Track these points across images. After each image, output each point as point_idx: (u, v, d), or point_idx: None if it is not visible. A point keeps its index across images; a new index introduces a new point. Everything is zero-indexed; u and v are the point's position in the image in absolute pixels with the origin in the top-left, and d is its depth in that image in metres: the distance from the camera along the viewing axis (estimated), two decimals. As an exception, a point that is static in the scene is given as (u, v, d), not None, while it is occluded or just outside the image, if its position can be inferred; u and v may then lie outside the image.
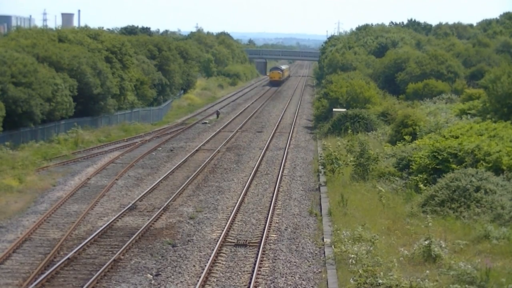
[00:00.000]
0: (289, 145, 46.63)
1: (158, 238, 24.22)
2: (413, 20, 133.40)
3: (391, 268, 19.03)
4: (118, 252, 21.93)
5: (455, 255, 20.18)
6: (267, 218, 26.37)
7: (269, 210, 27.62)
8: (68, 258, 21.30)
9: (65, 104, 44.35)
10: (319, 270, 20.80)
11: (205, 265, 20.94)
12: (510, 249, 20.58)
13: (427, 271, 18.82)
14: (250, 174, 35.72)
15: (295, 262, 21.60)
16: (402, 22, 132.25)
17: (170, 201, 29.32)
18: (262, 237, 23.69)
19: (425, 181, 28.19)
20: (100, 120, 51.88)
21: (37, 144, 41.40)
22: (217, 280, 20.01)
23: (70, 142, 43.85)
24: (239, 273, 20.72)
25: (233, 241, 23.87)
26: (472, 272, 18.05)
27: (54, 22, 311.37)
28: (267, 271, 20.81)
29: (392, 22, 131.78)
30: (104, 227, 24.86)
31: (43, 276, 19.63)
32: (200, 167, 37.11)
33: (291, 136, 51.38)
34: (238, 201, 29.25)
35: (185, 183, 33.03)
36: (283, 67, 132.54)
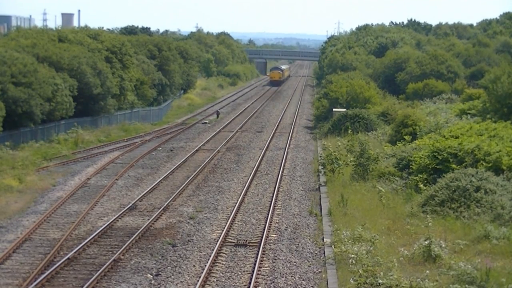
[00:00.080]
0: (289, 145, 46.63)
1: (158, 238, 24.22)
2: (413, 20, 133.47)
3: (391, 268, 19.02)
4: (118, 252, 21.93)
5: (455, 255, 20.18)
6: (267, 218, 26.37)
7: (269, 210, 27.62)
8: (68, 258, 21.30)
9: (65, 104, 44.36)
10: (319, 270, 20.80)
11: (205, 265, 20.94)
12: (510, 249, 20.58)
13: (427, 271, 18.82)
14: (250, 174, 35.72)
15: (295, 262, 21.60)
16: (402, 22, 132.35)
17: (170, 201, 29.32)
18: (262, 237, 23.69)
19: (425, 181, 28.19)
20: (100, 120, 51.88)
21: (37, 144, 41.40)
22: (217, 280, 20.01)
23: (70, 142, 43.85)
24: (239, 273, 20.73)
25: (233, 241, 23.87)
26: (472, 272, 18.05)
27: (54, 22, 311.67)
28: (267, 271, 20.81)
29: (392, 22, 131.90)
30: (104, 227, 24.87)
31: (43, 276, 19.64)
32: (200, 167, 37.11)
33: (291, 136, 51.38)
34: (238, 201, 29.25)
35: (185, 183, 33.03)
36: (283, 67, 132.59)
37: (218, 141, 47.95)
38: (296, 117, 66.02)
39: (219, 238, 23.70)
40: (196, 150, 43.52)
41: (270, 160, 40.81)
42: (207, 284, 19.72)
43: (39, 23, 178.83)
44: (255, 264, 21.01)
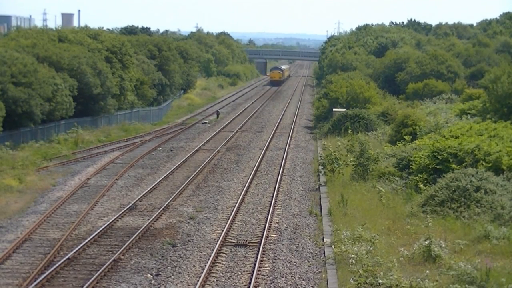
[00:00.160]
0: (289, 145, 46.64)
1: (158, 238, 24.22)
2: (413, 20, 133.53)
3: (391, 268, 19.02)
4: (118, 252, 21.93)
5: (455, 255, 20.18)
6: (267, 218, 26.36)
7: (269, 210, 27.62)
8: (68, 258, 21.30)
9: (65, 104, 44.36)
10: (319, 270, 20.80)
11: (205, 265, 20.94)
12: (510, 249, 20.58)
13: (427, 271, 18.82)
14: (250, 174, 35.73)
15: (295, 262, 21.60)
16: (402, 22, 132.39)
17: (170, 201, 29.32)
18: (262, 237, 23.69)
19: (425, 181, 28.19)
20: (100, 120, 51.88)
21: (37, 144, 41.40)
22: (217, 280, 20.01)
23: (70, 142, 43.84)
24: (239, 273, 20.73)
25: (233, 241, 23.87)
26: (472, 272, 18.05)
27: (54, 22, 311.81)
28: (267, 271, 20.81)
29: (392, 22, 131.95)
30: (104, 227, 24.86)
31: (43, 276, 19.64)
32: (200, 167, 37.11)
33: (291, 136, 51.38)
34: (238, 201, 29.25)
35: (185, 183, 33.03)
36: (283, 67, 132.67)
37: (218, 141, 47.95)
38: (296, 117, 66.02)
39: (219, 238, 23.69)
40: (196, 150, 43.52)
41: (270, 160, 40.81)
42: (207, 284, 19.73)
43: (39, 23, 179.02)
44: (255, 264, 21.01)
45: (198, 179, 34.80)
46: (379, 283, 18.26)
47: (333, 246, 22.02)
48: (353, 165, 33.21)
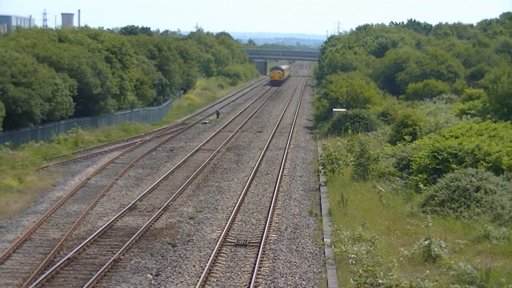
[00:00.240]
0: (289, 145, 46.64)
1: (158, 238, 24.22)
2: (413, 20, 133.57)
3: (391, 268, 19.03)
4: (118, 252, 21.93)
5: (455, 255, 20.18)
6: (267, 218, 26.36)
7: (269, 210, 27.62)
8: (68, 258, 21.31)
9: (65, 104, 44.36)
10: (319, 270, 20.80)
11: (205, 265, 20.94)
12: (510, 249, 20.58)
13: (427, 271, 18.82)
14: (250, 174, 35.73)
15: (295, 262, 21.60)
16: (402, 22, 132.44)
17: (170, 201, 29.32)
18: (262, 237, 23.69)
19: (425, 181, 28.19)
20: (100, 120, 51.88)
21: (37, 144, 41.40)
22: (217, 280, 20.01)
23: (70, 142, 43.85)
24: (239, 273, 20.73)
25: (233, 241, 23.87)
26: (472, 272, 18.05)
27: (54, 22, 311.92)
28: (267, 271, 20.81)
29: (392, 22, 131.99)
30: (104, 227, 24.86)
31: (43, 276, 19.64)
32: (200, 167, 37.11)
33: (291, 136, 51.38)
34: (238, 201, 29.25)
35: (185, 183, 33.03)
36: (284, 67, 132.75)
37: (218, 141, 47.95)
38: (296, 117, 66.03)
39: (219, 238, 23.70)
40: (196, 150, 43.53)
41: (270, 160, 40.81)
42: (207, 284, 19.73)
43: (39, 23, 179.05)
44: (255, 264, 21.01)
45: (198, 179, 34.80)
46: (379, 283, 18.26)
47: (333, 246, 22.02)
48: (353, 165, 33.21)
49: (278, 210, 28.32)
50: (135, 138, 49.13)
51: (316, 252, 22.60)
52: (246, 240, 23.88)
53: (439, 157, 28.96)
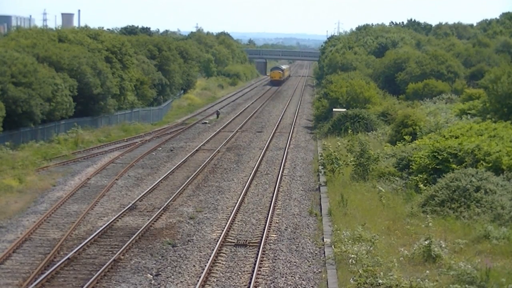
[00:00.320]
0: (289, 145, 46.64)
1: (158, 238, 24.22)
2: (413, 20, 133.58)
3: (391, 268, 19.03)
4: (118, 252, 21.93)
5: (455, 255, 20.19)
6: (267, 218, 26.36)
7: (269, 210, 27.62)
8: (68, 258, 21.31)
9: (65, 104, 44.36)
10: (319, 270, 20.80)
11: (205, 265, 20.94)
12: (510, 249, 20.58)
13: (427, 271, 18.83)
14: (250, 174, 35.73)
15: (295, 262, 21.60)
16: (402, 22, 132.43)
17: (170, 201, 29.32)
18: (262, 237, 23.69)
19: (425, 181, 28.19)
20: (100, 120, 51.88)
21: (37, 144, 41.40)
22: (217, 280, 20.01)
23: (70, 142, 43.85)
24: (239, 273, 20.73)
25: (233, 241, 23.87)
26: (472, 272, 18.06)
27: (54, 22, 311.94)
28: (267, 271, 20.81)
29: (392, 22, 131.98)
30: (104, 227, 24.86)
31: (43, 276, 19.64)
32: (200, 167, 37.11)
33: (291, 136, 51.38)
34: (238, 201, 29.25)
35: (185, 183, 33.03)
36: (284, 67, 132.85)
37: (218, 141, 47.95)
38: (296, 117, 66.03)
39: (219, 238, 23.70)
40: (196, 150, 43.52)
41: (270, 160, 40.81)
42: (207, 284, 19.73)
43: (39, 23, 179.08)
44: (255, 264, 21.01)
45: (198, 179, 34.80)
46: (379, 283, 18.26)
47: (333, 246, 22.02)
48: (353, 165, 33.21)
49: (278, 210, 28.32)
50: (135, 138, 49.13)
51: (316, 252, 22.60)
52: (246, 240, 23.88)
53: (439, 157, 28.96)
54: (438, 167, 28.71)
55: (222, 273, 20.67)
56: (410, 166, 30.92)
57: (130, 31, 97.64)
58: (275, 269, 20.96)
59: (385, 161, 34.31)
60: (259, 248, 22.48)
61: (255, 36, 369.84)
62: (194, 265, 21.31)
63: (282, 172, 36.53)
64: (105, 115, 52.24)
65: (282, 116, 65.95)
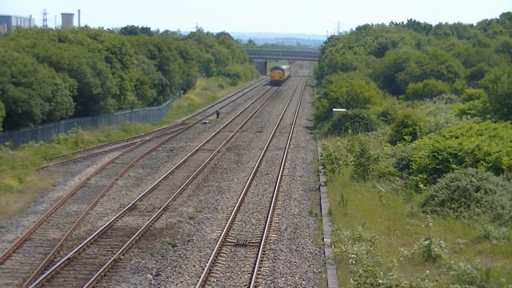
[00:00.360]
0: (289, 145, 46.64)
1: (158, 238, 24.22)
2: (413, 20, 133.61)
3: (391, 268, 19.03)
4: (118, 252, 21.93)
5: (455, 255, 20.18)
6: (267, 218, 26.36)
7: (269, 210, 27.62)
8: (68, 258, 21.31)
9: (65, 104, 44.36)
10: (319, 270, 20.80)
11: (205, 265, 20.94)
12: (510, 249, 20.58)
13: (427, 271, 18.83)
14: (250, 174, 35.73)
15: (295, 262, 21.60)
16: (402, 22, 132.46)
17: (170, 201, 29.32)
18: (262, 237, 23.69)
19: (425, 181, 28.19)
20: (100, 120, 51.88)
21: (37, 144, 41.40)
22: (217, 280, 20.01)
23: (70, 142, 43.85)
24: (239, 273, 20.73)
25: (233, 241, 23.87)
26: (472, 272, 18.06)
27: (54, 22, 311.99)
28: (267, 271, 20.81)
29: (392, 22, 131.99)
30: (104, 227, 24.86)
31: (43, 276, 19.64)
32: (200, 167, 37.11)
33: (291, 136, 51.38)
34: (238, 201, 29.25)
35: (185, 183, 33.03)
36: (284, 67, 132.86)
37: (218, 141, 47.96)
38: (296, 117, 66.02)
39: (219, 238, 23.70)
40: (196, 150, 43.53)
41: (270, 160, 40.81)
42: (207, 284, 19.73)
43: (39, 23, 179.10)
44: (255, 264, 21.01)
45: (198, 179, 34.80)
46: (379, 283, 18.26)
47: (333, 246, 22.02)
48: (353, 165, 33.20)
49: (278, 210, 28.32)
50: (135, 138, 49.13)
51: (316, 252, 22.60)
52: (246, 240, 23.88)
53: (439, 157, 28.96)
54: (438, 167, 28.71)
55: (222, 273, 20.67)
56: (410, 166, 30.92)
57: (130, 31, 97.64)
58: (275, 269, 20.96)
59: (385, 161, 34.31)
60: (259, 248, 22.48)
61: (255, 36, 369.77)
62: (194, 265, 21.31)
63: (282, 172, 36.53)
64: (105, 115, 52.24)
65: (282, 116, 65.94)
